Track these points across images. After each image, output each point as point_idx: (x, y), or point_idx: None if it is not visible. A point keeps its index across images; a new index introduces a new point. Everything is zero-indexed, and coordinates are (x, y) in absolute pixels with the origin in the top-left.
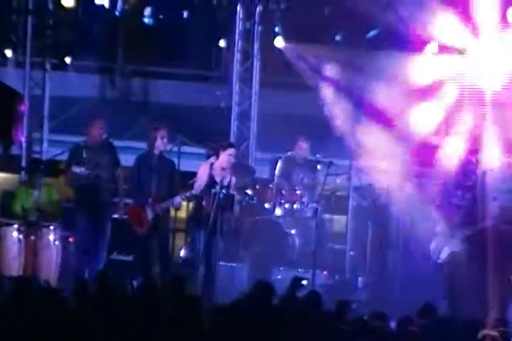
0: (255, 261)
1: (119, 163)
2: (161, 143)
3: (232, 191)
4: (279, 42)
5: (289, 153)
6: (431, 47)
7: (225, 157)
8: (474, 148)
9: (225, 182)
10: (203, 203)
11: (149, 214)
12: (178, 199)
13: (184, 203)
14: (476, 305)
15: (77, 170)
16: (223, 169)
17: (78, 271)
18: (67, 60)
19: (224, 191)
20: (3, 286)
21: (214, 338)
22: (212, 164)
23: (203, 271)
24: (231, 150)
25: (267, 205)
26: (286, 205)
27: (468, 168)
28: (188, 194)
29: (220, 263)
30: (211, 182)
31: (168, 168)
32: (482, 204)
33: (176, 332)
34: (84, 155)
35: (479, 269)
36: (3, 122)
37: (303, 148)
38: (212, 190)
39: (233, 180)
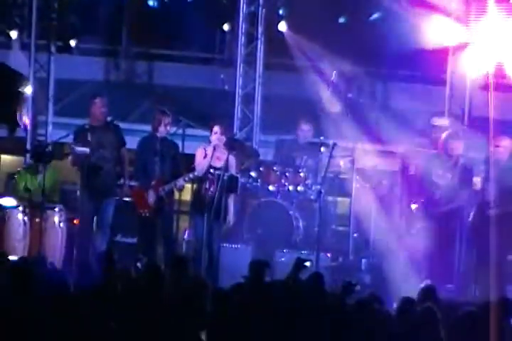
0: (259, 243)
1: (125, 143)
2: (163, 130)
3: (232, 171)
4: (283, 26)
5: (294, 136)
6: None
7: (213, 136)
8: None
9: (221, 163)
10: (206, 185)
11: (153, 197)
12: (181, 181)
13: (188, 185)
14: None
15: (80, 150)
16: (215, 148)
17: (82, 252)
18: (72, 42)
19: (228, 173)
20: (8, 267)
21: (215, 319)
22: (205, 148)
23: (206, 253)
24: (216, 128)
25: (271, 187)
26: (290, 187)
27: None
28: (190, 175)
29: (224, 245)
30: (209, 164)
31: (172, 150)
32: (461, 185)
33: (178, 313)
34: (88, 137)
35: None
36: (8, 105)
37: (305, 130)
38: (216, 172)
39: (231, 159)
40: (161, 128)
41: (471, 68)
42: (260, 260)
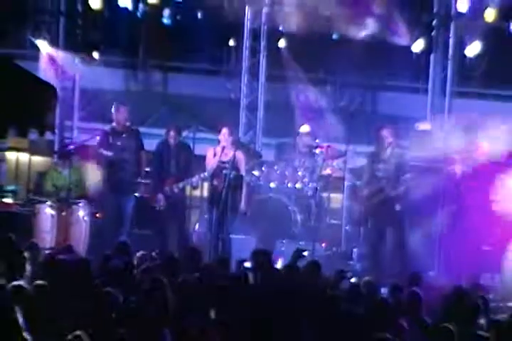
0: (262, 235)
1: (143, 147)
2: (172, 141)
3: (241, 166)
4: (282, 42)
5: (294, 140)
6: None
7: (220, 137)
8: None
9: (229, 159)
10: (215, 182)
11: (168, 193)
12: (195, 179)
13: (198, 183)
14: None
15: (104, 153)
16: (223, 149)
17: (104, 243)
18: (95, 55)
19: (234, 172)
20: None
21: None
22: (215, 148)
23: (215, 244)
24: (224, 130)
25: (272, 185)
26: (289, 185)
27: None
28: (202, 175)
29: (231, 236)
30: (218, 163)
31: (185, 152)
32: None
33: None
34: (111, 140)
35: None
36: (38, 111)
37: (304, 140)
38: (224, 171)
39: (238, 155)
40: (170, 140)
41: None
42: (264, 249)
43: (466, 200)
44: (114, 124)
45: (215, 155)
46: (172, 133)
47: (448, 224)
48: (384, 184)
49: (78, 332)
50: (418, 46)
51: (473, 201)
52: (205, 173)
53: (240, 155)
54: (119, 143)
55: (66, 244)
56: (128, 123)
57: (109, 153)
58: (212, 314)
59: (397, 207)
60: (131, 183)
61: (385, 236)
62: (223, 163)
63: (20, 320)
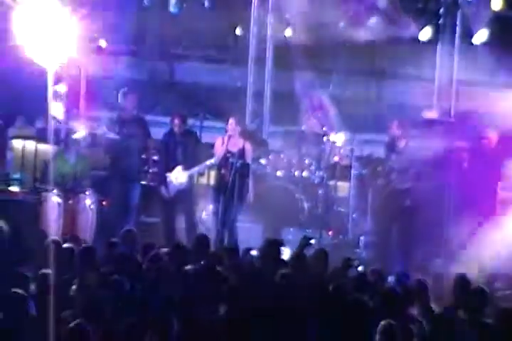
0: (269, 223)
1: (150, 135)
2: (177, 129)
3: (248, 155)
4: (288, 32)
5: (301, 128)
6: None
7: (228, 127)
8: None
9: (237, 150)
10: (222, 171)
11: (174, 181)
12: (202, 166)
13: (205, 171)
14: None
15: (112, 137)
16: (230, 137)
17: (111, 231)
18: (102, 44)
19: (241, 161)
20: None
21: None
22: (223, 137)
23: (222, 232)
24: (231, 120)
25: (278, 173)
26: (296, 173)
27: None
28: (209, 163)
29: (237, 224)
30: (226, 152)
31: (192, 139)
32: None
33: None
34: (117, 128)
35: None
36: (44, 100)
37: (312, 124)
38: (230, 160)
39: (246, 145)
40: (175, 128)
41: None
42: (275, 239)
43: (473, 187)
44: (121, 112)
45: (223, 144)
46: (176, 121)
47: (454, 212)
48: (394, 176)
49: None
50: (425, 35)
51: (480, 187)
52: (212, 160)
53: (248, 146)
54: (125, 131)
55: (72, 232)
56: (135, 112)
57: (117, 137)
58: (222, 306)
59: (407, 202)
60: (138, 171)
61: (391, 228)
62: (230, 152)
63: None
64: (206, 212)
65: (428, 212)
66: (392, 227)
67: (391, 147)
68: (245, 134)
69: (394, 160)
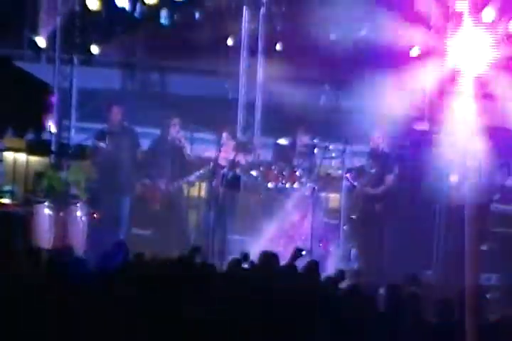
0: (259, 235)
1: (139, 146)
2: (173, 131)
3: (239, 169)
4: (278, 46)
5: (292, 140)
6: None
7: (222, 140)
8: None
9: (230, 160)
10: (213, 183)
11: (164, 192)
12: (191, 177)
13: (196, 182)
14: None
15: (102, 145)
16: (223, 152)
17: (102, 244)
18: (95, 49)
19: (231, 172)
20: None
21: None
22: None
23: (213, 244)
24: (224, 134)
25: (269, 185)
26: (287, 185)
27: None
28: (198, 174)
29: (228, 236)
30: (217, 165)
31: (180, 150)
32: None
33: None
34: (106, 139)
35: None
36: (35, 111)
37: (302, 136)
38: (221, 171)
39: (240, 157)
40: (171, 130)
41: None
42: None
43: None
44: (108, 124)
45: (215, 156)
46: (169, 130)
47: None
48: (365, 181)
49: None
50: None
51: None
52: (201, 171)
53: (242, 160)
54: (114, 143)
55: (64, 244)
56: (125, 123)
57: (105, 148)
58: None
59: (377, 207)
60: (128, 183)
61: (368, 236)
62: (222, 166)
63: None
64: (197, 224)
65: (403, 219)
66: (373, 235)
67: (370, 153)
68: (238, 148)
69: (371, 166)
